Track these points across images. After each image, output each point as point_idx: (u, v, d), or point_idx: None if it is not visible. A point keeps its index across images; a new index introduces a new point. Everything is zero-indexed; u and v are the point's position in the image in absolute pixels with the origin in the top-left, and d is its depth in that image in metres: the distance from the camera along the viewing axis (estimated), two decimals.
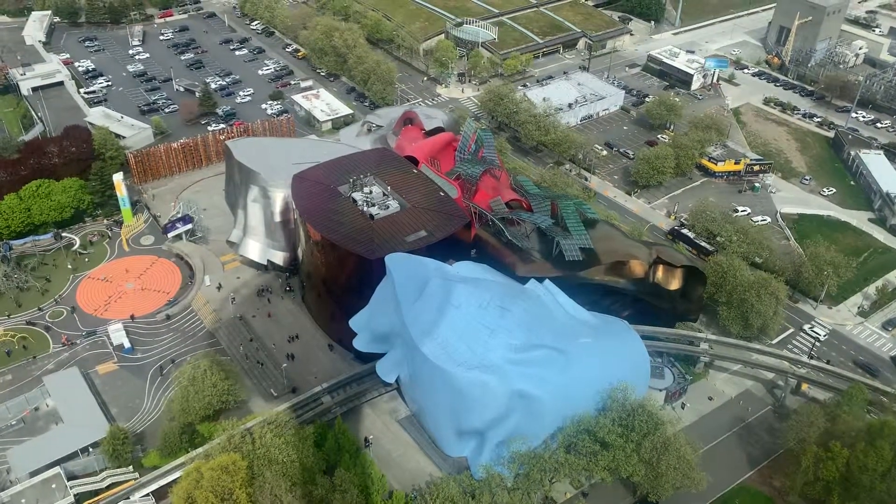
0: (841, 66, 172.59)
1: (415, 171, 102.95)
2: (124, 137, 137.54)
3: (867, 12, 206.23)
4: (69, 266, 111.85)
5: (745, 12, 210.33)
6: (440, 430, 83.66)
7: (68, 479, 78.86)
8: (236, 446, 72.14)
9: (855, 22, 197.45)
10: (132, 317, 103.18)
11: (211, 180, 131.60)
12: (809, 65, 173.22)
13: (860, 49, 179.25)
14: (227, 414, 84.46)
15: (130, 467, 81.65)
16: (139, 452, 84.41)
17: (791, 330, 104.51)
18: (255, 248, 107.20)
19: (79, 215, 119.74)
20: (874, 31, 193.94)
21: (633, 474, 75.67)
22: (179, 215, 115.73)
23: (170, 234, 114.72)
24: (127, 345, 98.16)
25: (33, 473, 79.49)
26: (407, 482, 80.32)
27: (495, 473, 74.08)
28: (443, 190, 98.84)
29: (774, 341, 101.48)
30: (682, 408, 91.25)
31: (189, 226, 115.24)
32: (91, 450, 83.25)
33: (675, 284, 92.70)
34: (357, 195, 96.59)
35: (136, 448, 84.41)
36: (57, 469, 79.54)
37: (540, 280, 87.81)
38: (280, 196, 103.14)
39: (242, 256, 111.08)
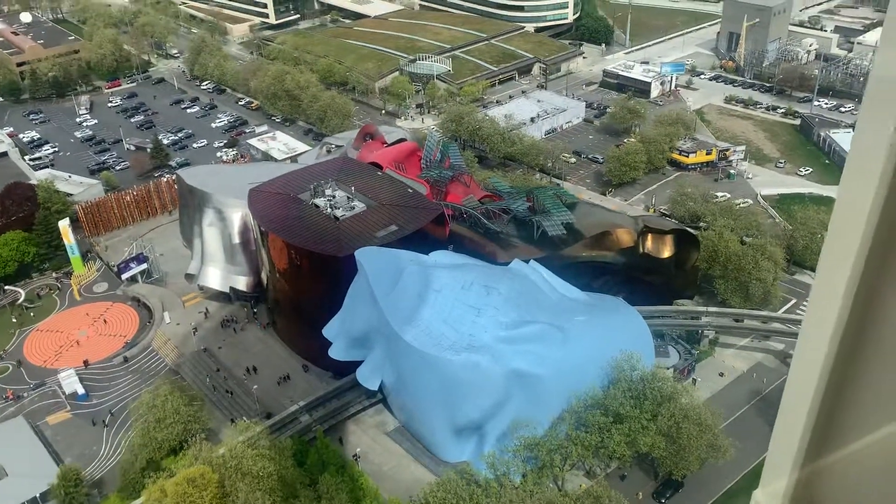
0: (794, 63, 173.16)
1: (379, 173, 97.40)
2: (73, 195, 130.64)
3: (809, 17, 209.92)
4: (14, 321, 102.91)
5: (692, 29, 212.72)
6: (434, 433, 75.30)
7: None
8: (205, 459, 63.17)
9: (800, 25, 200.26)
10: (85, 363, 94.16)
11: (167, 227, 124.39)
12: (764, 64, 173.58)
13: (811, 46, 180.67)
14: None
15: None
16: (97, 498, 74.50)
17: (794, 300, 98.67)
18: (216, 276, 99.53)
19: (24, 270, 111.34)
20: (821, 30, 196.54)
21: (654, 448, 67.80)
22: (133, 255, 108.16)
23: (124, 276, 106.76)
24: (81, 391, 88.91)
25: None
26: (402, 494, 71.25)
27: (501, 461, 65.61)
28: (411, 187, 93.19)
29: (778, 312, 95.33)
30: (694, 384, 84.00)
31: (144, 265, 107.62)
32: (40, 502, 73.24)
33: (666, 252, 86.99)
34: (319, 200, 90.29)
35: (93, 493, 74.50)
36: None
37: (525, 261, 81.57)
38: (237, 216, 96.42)
39: (204, 291, 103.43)
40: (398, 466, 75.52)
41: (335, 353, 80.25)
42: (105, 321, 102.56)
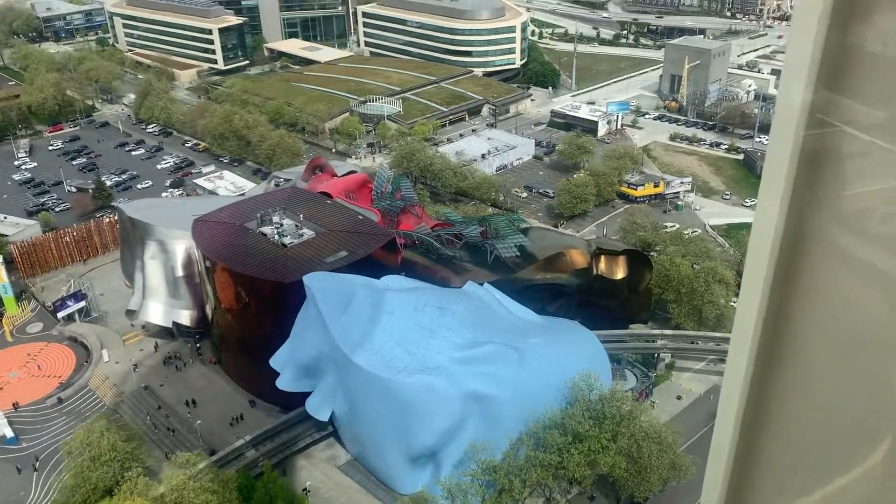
0: (735, 103, 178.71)
1: (329, 201, 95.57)
2: (7, 236, 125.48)
3: (747, 62, 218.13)
4: None
5: (635, 73, 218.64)
6: (388, 464, 72.08)
7: None
8: (142, 493, 58.95)
9: (739, 68, 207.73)
10: (15, 406, 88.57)
11: (108, 266, 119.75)
12: (706, 104, 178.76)
13: (749, 87, 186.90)
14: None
15: None
16: None
17: None
18: (158, 311, 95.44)
19: None
20: (759, 72, 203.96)
21: (614, 468, 65.85)
22: (71, 292, 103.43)
23: (60, 314, 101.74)
24: (10, 434, 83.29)
25: None
26: None
27: (458, 486, 62.74)
28: (362, 214, 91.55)
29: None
30: (652, 407, 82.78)
31: (82, 303, 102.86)
32: None
33: (620, 273, 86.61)
34: (266, 229, 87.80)
35: None
36: None
37: (479, 284, 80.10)
38: (181, 247, 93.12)
39: (146, 329, 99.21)
40: (350, 500, 72.01)
41: (283, 383, 76.86)
42: (39, 367, 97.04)
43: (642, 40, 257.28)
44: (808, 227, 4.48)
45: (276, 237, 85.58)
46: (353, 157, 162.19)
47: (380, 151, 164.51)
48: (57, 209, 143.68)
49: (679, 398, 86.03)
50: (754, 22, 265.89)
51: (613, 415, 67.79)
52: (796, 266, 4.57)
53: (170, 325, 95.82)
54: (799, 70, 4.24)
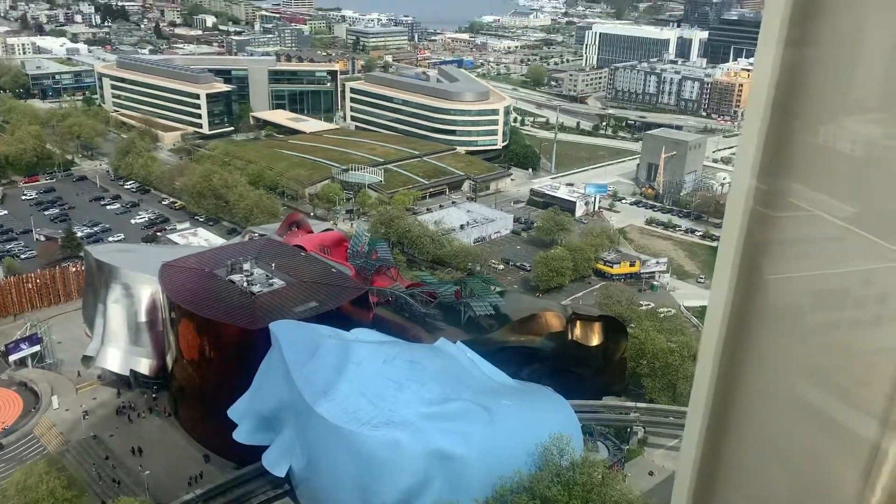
0: (709, 193, 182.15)
1: (303, 254, 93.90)
2: None
3: (722, 157, 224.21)
4: None
5: (613, 162, 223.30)
6: None
7: None
8: None
9: (714, 163, 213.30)
10: None
11: (70, 315, 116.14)
12: (682, 193, 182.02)
13: (724, 179, 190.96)
14: None
15: None
16: None
17: None
18: (116, 358, 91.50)
19: None
20: (733, 167, 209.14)
21: None
22: (26, 335, 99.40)
23: (12, 357, 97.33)
24: None
25: None
26: None
27: None
28: (335, 267, 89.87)
29: None
30: (624, 480, 79.64)
31: (36, 347, 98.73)
32: None
33: (595, 339, 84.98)
34: (235, 276, 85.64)
35: None
36: None
37: (452, 342, 77.99)
38: (146, 292, 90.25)
39: (102, 379, 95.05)
40: None
41: (240, 435, 72.95)
42: None
43: (620, 132, 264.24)
44: (753, 304, 4.89)
45: (245, 285, 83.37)
46: (332, 221, 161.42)
47: (359, 218, 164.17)
48: (22, 256, 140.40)
49: (651, 474, 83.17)
50: (729, 122, 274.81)
51: (584, 482, 64.87)
52: (743, 339, 5.02)
53: (127, 374, 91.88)
54: (747, 157, 4.62)
